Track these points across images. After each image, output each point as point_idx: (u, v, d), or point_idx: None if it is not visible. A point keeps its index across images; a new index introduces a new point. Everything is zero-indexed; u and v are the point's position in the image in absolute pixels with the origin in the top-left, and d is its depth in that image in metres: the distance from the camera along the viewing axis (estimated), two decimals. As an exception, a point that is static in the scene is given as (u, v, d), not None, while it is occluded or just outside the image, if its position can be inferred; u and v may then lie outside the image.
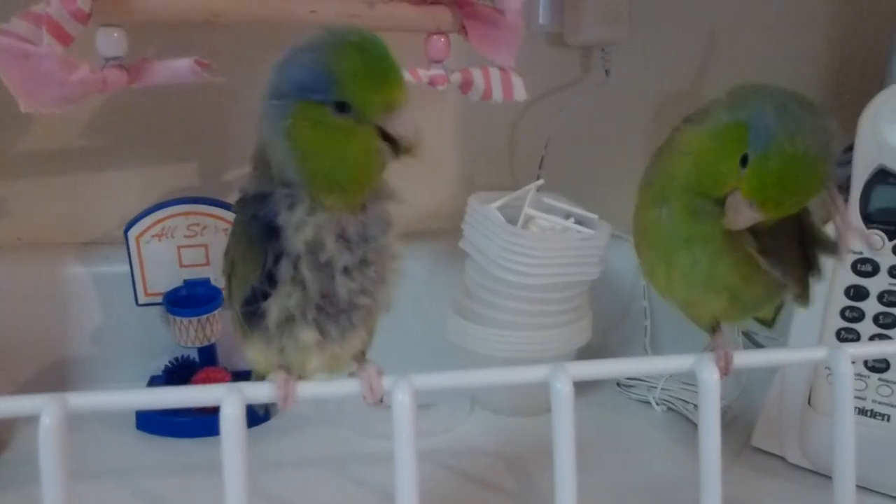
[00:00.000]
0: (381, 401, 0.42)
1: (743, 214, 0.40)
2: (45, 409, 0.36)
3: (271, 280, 0.39)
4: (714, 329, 0.48)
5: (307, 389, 0.42)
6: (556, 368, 0.42)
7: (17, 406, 0.38)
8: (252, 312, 0.41)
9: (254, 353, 0.43)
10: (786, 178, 0.39)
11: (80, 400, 0.38)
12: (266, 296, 0.40)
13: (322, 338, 0.41)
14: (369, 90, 0.36)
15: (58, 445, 0.36)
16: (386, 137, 0.38)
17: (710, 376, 0.43)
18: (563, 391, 0.41)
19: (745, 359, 0.46)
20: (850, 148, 0.61)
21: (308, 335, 0.40)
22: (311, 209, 0.39)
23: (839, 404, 0.45)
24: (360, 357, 0.44)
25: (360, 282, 0.40)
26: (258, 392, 0.40)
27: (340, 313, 0.41)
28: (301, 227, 0.39)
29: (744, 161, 0.40)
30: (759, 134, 0.39)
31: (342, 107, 0.37)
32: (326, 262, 0.39)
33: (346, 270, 0.40)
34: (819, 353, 0.47)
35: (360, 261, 0.40)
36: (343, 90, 0.36)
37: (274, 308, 0.39)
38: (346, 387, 0.42)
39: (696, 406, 0.63)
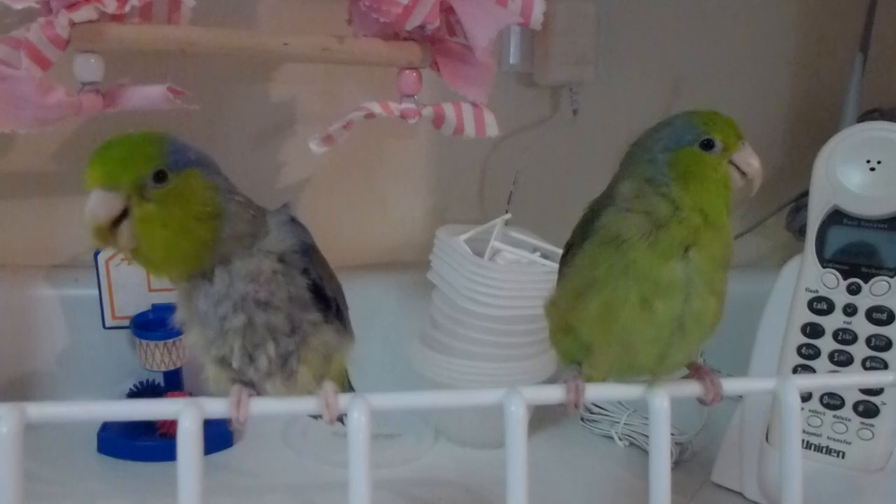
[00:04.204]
0: (341, 420, 0.42)
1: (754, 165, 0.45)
2: (4, 419, 0.36)
3: None
4: (691, 365, 0.48)
5: (262, 405, 0.42)
6: (511, 392, 0.42)
7: (-25, 416, 0.38)
8: None
9: None
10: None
11: (39, 410, 0.38)
12: None
13: None
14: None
15: (15, 455, 0.36)
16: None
17: (661, 403, 0.44)
18: (516, 414, 0.42)
19: (699, 388, 0.47)
20: (805, 193, 0.62)
21: None
22: None
23: (786, 434, 0.46)
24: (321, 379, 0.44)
25: None
26: (217, 407, 0.41)
27: None
28: None
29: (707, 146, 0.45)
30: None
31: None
32: None
33: None
34: (768, 384, 0.48)
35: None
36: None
37: None
38: (302, 404, 0.42)
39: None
